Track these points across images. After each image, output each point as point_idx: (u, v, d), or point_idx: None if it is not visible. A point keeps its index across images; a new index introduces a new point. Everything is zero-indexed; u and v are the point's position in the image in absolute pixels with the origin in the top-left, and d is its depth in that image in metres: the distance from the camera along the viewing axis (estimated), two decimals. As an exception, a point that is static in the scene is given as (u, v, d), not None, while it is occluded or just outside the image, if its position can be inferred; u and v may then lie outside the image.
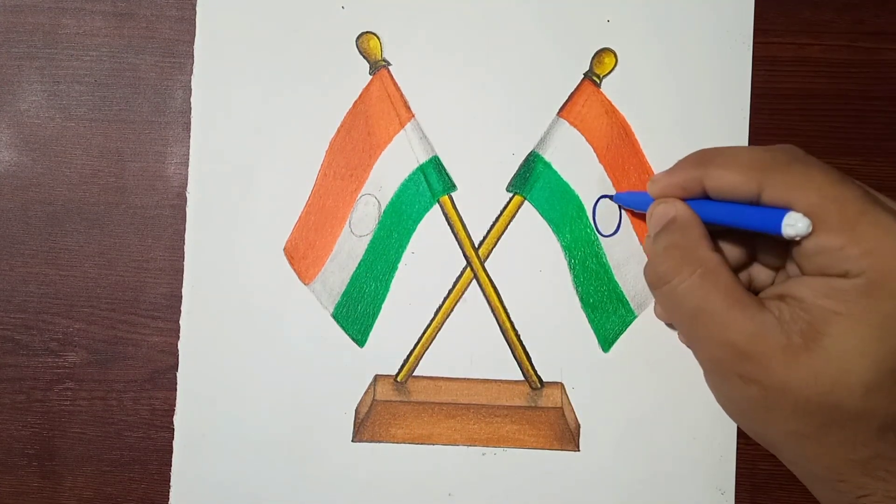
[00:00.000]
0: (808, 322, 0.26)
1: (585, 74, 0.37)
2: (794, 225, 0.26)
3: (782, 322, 0.27)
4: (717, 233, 0.31)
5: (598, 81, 0.37)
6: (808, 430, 0.27)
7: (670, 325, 0.36)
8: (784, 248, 0.31)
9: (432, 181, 0.37)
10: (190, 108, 0.36)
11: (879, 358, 0.26)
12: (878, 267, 0.25)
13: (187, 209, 0.36)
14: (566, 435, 0.37)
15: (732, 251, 0.32)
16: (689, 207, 0.30)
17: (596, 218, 0.37)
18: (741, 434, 0.37)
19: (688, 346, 0.31)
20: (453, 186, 0.37)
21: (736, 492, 0.37)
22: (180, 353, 0.36)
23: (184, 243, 0.36)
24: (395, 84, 0.37)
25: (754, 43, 0.37)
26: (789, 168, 0.27)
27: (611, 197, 0.37)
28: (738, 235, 0.32)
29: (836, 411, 0.26)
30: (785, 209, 0.26)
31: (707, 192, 0.30)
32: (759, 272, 0.33)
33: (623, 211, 0.37)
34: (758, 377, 0.27)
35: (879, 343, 0.26)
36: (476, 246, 0.37)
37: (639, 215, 0.37)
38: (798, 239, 0.26)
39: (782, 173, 0.27)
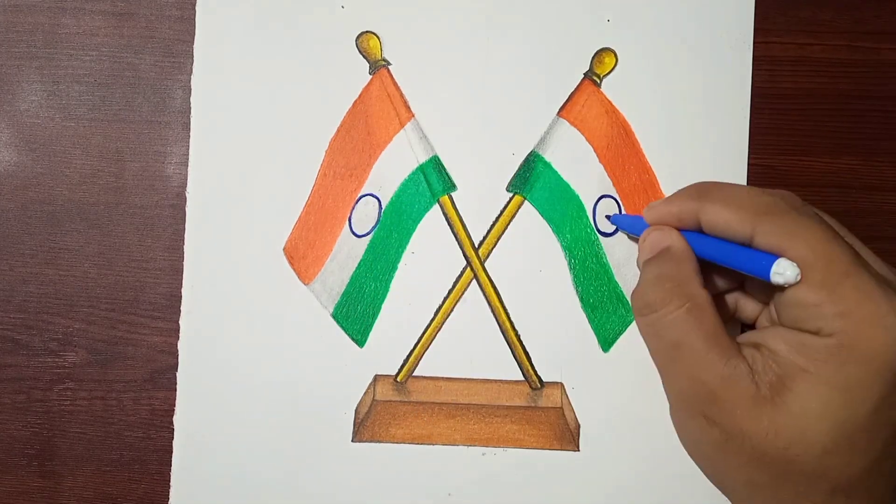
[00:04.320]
0: (777, 375, 0.27)
1: (585, 74, 0.37)
2: (782, 273, 0.26)
3: (754, 371, 0.27)
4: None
5: (598, 81, 0.37)
6: (763, 481, 0.28)
7: None
8: (771, 287, 0.31)
9: (432, 181, 0.37)
10: (190, 108, 0.36)
11: (839, 423, 0.26)
12: (851, 330, 0.25)
13: (187, 209, 0.36)
14: (566, 435, 0.37)
15: (724, 276, 0.32)
16: (684, 239, 0.30)
17: (596, 218, 0.37)
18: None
19: (661, 377, 0.31)
20: (453, 186, 0.37)
21: (736, 492, 0.37)
22: (180, 353, 0.36)
23: (184, 243, 0.36)
24: (395, 84, 0.37)
25: (754, 43, 0.37)
26: (785, 216, 0.27)
27: (608, 216, 0.37)
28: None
29: (791, 467, 0.27)
30: (775, 255, 0.26)
31: (702, 225, 0.30)
32: (746, 303, 0.33)
33: (624, 211, 0.37)
34: (721, 421, 0.27)
35: (840, 408, 0.26)
36: (476, 246, 0.37)
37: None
38: (785, 286, 0.26)
39: (776, 220, 0.27)
